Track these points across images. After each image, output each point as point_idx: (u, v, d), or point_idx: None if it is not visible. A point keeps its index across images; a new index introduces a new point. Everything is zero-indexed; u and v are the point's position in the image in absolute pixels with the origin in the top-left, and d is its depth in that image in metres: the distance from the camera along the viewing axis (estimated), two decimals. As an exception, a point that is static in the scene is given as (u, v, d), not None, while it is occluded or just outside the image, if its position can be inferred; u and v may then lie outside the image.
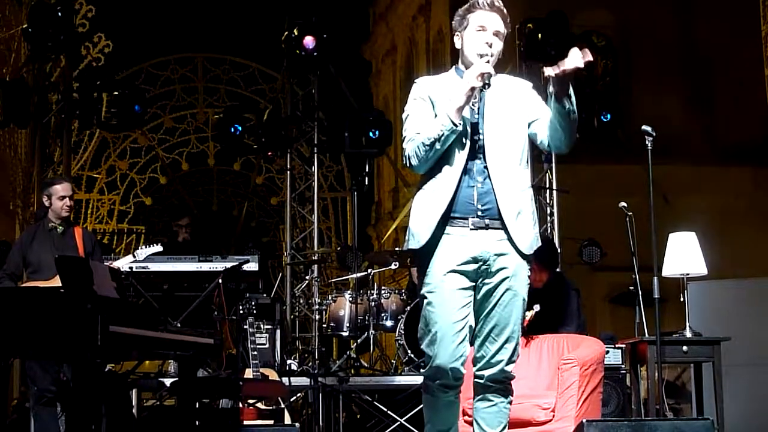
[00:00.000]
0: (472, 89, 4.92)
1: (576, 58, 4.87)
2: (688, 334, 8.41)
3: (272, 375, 9.80)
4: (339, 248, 16.24)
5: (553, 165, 13.81)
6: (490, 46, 5.06)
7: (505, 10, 5.19)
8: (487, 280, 5.01)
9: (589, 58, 4.88)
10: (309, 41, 13.11)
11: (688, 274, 8.56)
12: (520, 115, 5.14)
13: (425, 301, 5.04)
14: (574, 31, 13.82)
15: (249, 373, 9.34)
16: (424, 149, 4.94)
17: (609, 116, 13.41)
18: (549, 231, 13.47)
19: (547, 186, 13.60)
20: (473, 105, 5.03)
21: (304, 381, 10.48)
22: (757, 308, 10.75)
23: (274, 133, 13.70)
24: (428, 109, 5.07)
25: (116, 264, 9.19)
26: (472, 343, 5.10)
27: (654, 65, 26.04)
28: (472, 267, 4.98)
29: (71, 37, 12.64)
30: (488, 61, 4.99)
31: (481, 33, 5.09)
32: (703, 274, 8.70)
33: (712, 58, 25.75)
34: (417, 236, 5.02)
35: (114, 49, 15.79)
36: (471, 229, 4.97)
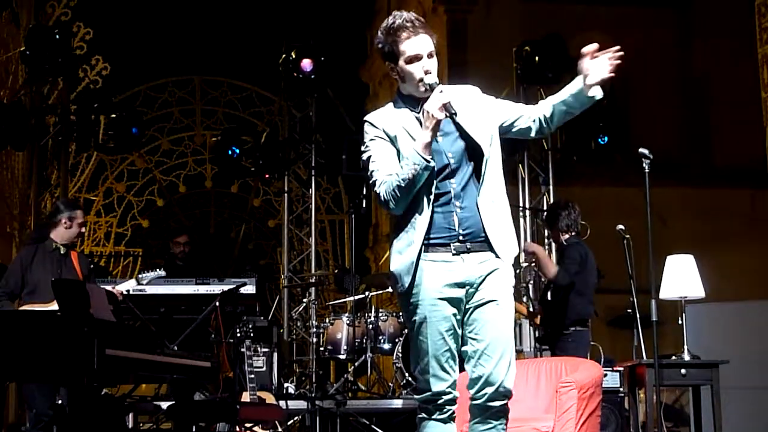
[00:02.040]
0: (438, 122, 4.81)
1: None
2: (687, 357, 8.41)
3: (269, 398, 9.78)
4: (336, 271, 16.23)
5: (551, 187, 13.83)
6: (430, 73, 4.94)
7: (423, 21, 5.04)
8: (474, 302, 4.97)
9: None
10: (307, 64, 13.13)
11: (686, 297, 8.56)
12: (489, 126, 5.05)
13: (415, 329, 5.00)
14: (572, 53, 13.83)
15: (246, 397, 9.31)
16: (400, 191, 4.84)
17: (606, 139, 13.43)
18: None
19: (545, 208, 13.59)
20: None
21: (301, 404, 10.47)
22: (756, 331, 10.75)
23: (271, 156, 13.71)
24: (389, 147, 4.99)
25: (119, 288, 9.17)
26: (462, 368, 5.07)
27: (651, 87, 26.06)
28: (459, 292, 4.95)
29: (69, 60, 12.66)
30: (441, 90, 4.83)
31: (417, 63, 4.96)
32: (701, 297, 8.70)
33: (709, 80, 25.78)
34: (400, 280, 4.97)
35: (112, 72, 15.77)
36: (453, 254, 4.93)
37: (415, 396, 5.12)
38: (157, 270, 9.59)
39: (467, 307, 4.98)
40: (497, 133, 5.09)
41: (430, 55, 4.98)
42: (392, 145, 4.99)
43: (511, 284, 5.05)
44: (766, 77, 13.30)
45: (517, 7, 26.07)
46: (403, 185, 4.83)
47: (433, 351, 4.94)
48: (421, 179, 4.82)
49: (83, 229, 8.88)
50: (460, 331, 4.99)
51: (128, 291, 9.57)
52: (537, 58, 13.38)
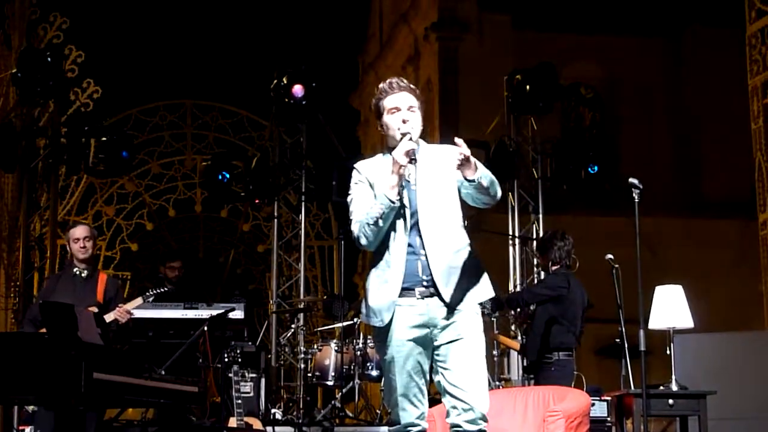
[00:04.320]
0: (401, 167, 5.20)
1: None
2: (674, 387, 8.41)
3: (256, 424, 9.75)
4: (325, 297, 16.21)
5: (540, 216, 13.83)
6: (408, 122, 5.37)
7: (411, 86, 5.54)
8: (440, 340, 5.32)
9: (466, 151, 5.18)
10: (298, 90, 13.14)
11: (674, 327, 8.57)
12: (450, 181, 5.40)
13: (385, 366, 5.39)
14: (562, 82, 13.87)
15: (233, 422, 9.29)
16: (369, 228, 5.29)
17: (596, 168, 13.44)
18: (536, 282, 13.46)
19: (534, 237, 13.60)
20: (409, 179, 5.31)
21: (288, 430, 10.43)
22: (744, 362, 10.75)
23: (261, 181, 13.70)
24: (368, 191, 5.42)
25: (126, 306, 9.16)
26: (439, 400, 5.46)
27: (642, 118, 26.17)
28: (424, 332, 5.31)
29: (60, 83, 12.65)
30: (411, 138, 5.28)
31: (396, 114, 5.42)
32: (690, 327, 8.70)
33: (699, 110, 25.90)
34: (379, 315, 5.33)
35: (103, 95, 15.77)
36: (418, 298, 5.30)
37: (389, 428, 5.52)
38: (162, 288, 9.60)
39: (435, 344, 5.33)
40: (457, 191, 5.43)
41: (409, 108, 5.43)
42: (371, 189, 5.40)
43: (477, 321, 5.38)
44: (756, 108, 13.36)
45: (509, 35, 26.21)
46: (371, 222, 5.27)
47: (400, 388, 5.33)
48: (387, 219, 5.25)
49: (82, 244, 8.91)
50: (427, 366, 5.36)
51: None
52: (528, 87, 13.40)
